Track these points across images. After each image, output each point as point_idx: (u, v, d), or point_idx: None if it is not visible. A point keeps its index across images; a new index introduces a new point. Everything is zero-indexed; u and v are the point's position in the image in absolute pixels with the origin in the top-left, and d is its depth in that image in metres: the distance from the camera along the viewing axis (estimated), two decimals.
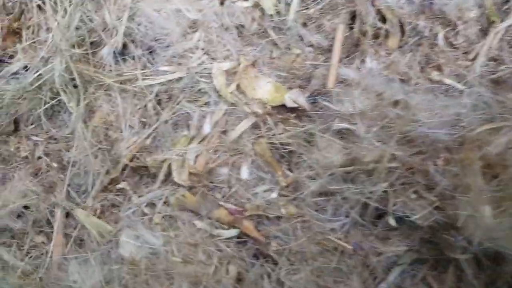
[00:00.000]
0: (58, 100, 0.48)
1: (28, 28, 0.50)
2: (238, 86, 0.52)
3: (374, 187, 0.48)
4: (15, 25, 0.49)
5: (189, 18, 0.52)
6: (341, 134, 0.51)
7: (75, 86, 0.49)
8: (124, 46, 0.53)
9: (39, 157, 0.50)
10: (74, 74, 0.46)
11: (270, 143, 0.51)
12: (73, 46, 0.48)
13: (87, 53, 0.49)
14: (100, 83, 0.50)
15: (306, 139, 0.51)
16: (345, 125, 0.50)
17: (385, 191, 0.48)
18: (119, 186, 0.50)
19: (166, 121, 0.52)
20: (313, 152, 0.50)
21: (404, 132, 0.48)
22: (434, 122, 0.48)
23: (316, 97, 0.53)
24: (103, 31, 0.52)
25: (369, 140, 0.49)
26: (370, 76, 0.52)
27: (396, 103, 0.49)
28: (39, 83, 0.46)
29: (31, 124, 0.50)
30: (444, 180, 0.47)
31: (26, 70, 0.49)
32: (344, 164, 0.49)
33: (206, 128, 0.51)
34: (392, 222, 0.49)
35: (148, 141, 0.52)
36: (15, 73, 0.49)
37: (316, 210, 0.50)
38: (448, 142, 0.47)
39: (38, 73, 0.47)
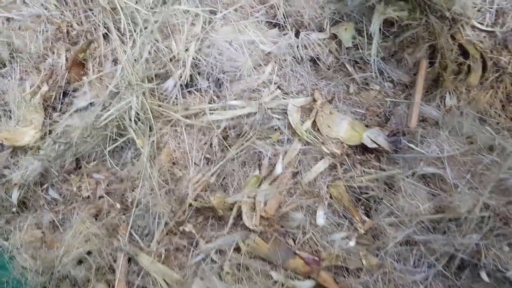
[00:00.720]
0: (126, 137, 0.45)
1: (93, 59, 0.47)
2: (313, 123, 0.49)
3: (464, 238, 0.44)
4: (81, 56, 0.46)
5: (262, 50, 0.48)
6: (427, 178, 0.47)
7: (142, 122, 0.45)
8: (190, 77, 0.50)
9: (101, 197, 0.46)
10: (148, 111, 0.43)
11: (348, 186, 0.47)
12: (143, 80, 0.44)
13: (153, 87, 0.46)
14: (168, 119, 0.47)
15: (386, 183, 0.48)
16: (432, 169, 0.46)
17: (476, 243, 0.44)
18: (185, 228, 0.46)
19: (233, 159, 0.49)
20: (396, 198, 0.47)
21: (499, 180, 0.44)
22: None
23: (396, 137, 0.49)
24: (169, 61, 0.49)
25: (459, 187, 0.45)
26: (456, 116, 0.49)
27: (491, 148, 0.46)
28: (107, 120, 0.43)
29: (93, 161, 0.47)
30: None
31: (92, 105, 0.45)
32: (432, 212, 0.45)
33: (279, 168, 0.48)
34: (485, 277, 0.45)
35: (212, 179, 0.49)
36: (81, 108, 0.46)
37: (397, 260, 0.47)
38: None
39: (107, 110, 0.43)
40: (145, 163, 0.44)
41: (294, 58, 0.51)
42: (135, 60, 0.46)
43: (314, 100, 0.50)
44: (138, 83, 0.43)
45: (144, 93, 0.43)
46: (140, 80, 0.45)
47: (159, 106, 0.47)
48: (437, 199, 0.46)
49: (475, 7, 0.55)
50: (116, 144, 0.45)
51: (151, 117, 0.44)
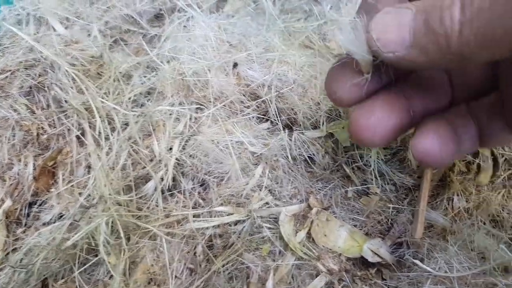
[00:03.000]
0: (96, 258, 0.41)
1: (64, 166, 0.43)
2: (308, 233, 0.45)
3: None
4: (50, 163, 0.43)
5: (251, 151, 0.45)
6: None
7: (117, 237, 0.41)
8: (173, 179, 0.46)
9: None
10: (118, 228, 0.39)
11: None
12: (119, 192, 0.41)
13: (130, 199, 0.42)
14: (145, 230, 0.43)
15: None
16: None
17: None
18: None
19: (219, 272, 0.44)
20: None
21: None
22: None
23: (400, 249, 0.45)
24: (150, 161, 0.45)
25: None
26: (466, 226, 0.45)
27: (506, 269, 0.42)
28: (76, 238, 0.39)
29: (62, 279, 0.43)
30: None
31: (61, 218, 0.42)
32: None
33: (269, 286, 0.43)
34: None
35: None
36: (48, 222, 0.42)
37: None
38: None
39: (74, 226, 0.39)
40: (116, 284, 0.40)
41: (287, 158, 0.47)
42: (111, 168, 0.42)
43: (309, 207, 0.46)
44: (111, 196, 0.40)
45: (118, 209, 0.40)
46: (115, 192, 0.41)
47: (137, 217, 0.43)
48: None
49: None
50: (85, 267, 0.41)
51: (123, 237, 0.40)
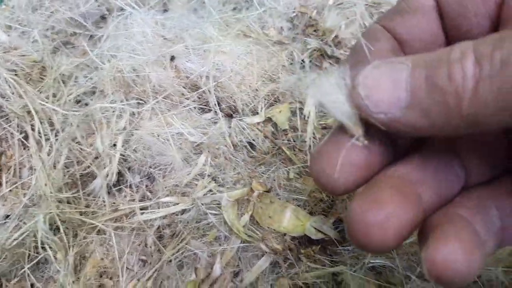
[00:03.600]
0: (41, 255, 0.42)
1: (8, 169, 0.44)
2: (251, 216, 0.46)
3: None
4: None
5: (192, 142, 0.46)
6: (376, 271, 0.44)
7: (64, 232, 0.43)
8: (120, 173, 0.48)
9: None
10: (66, 223, 0.40)
11: (293, 284, 0.44)
12: (61, 189, 0.42)
13: (77, 192, 0.44)
14: (92, 226, 0.44)
15: (334, 278, 0.45)
16: (380, 261, 0.44)
17: None
18: None
19: (169, 261, 0.46)
20: None
21: None
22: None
23: (342, 224, 0.46)
24: (95, 159, 0.47)
25: (411, 280, 0.42)
26: None
27: None
28: (21, 237, 0.40)
29: (15, 278, 0.44)
30: None
31: (8, 218, 0.43)
32: None
33: (217, 270, 0.45)
34: None
35: (149, 284, 0.46)
36: None
37: None
38: None
39: (19, 226, 0.41)
40: (65, 280, 0.41)
41: (230, 146, 0.49)
42: (54, 166, 0.44)
43: (252, 191, 0.47)
44: (52, 194, 0.41)
45: (58, 206, 0.41)
46: (57, 190, 0.42)
47: (84, 213, 0.44)
48: None
49: None
50: (35, 264, 0.42)
51: (63, 232, 0.41)
